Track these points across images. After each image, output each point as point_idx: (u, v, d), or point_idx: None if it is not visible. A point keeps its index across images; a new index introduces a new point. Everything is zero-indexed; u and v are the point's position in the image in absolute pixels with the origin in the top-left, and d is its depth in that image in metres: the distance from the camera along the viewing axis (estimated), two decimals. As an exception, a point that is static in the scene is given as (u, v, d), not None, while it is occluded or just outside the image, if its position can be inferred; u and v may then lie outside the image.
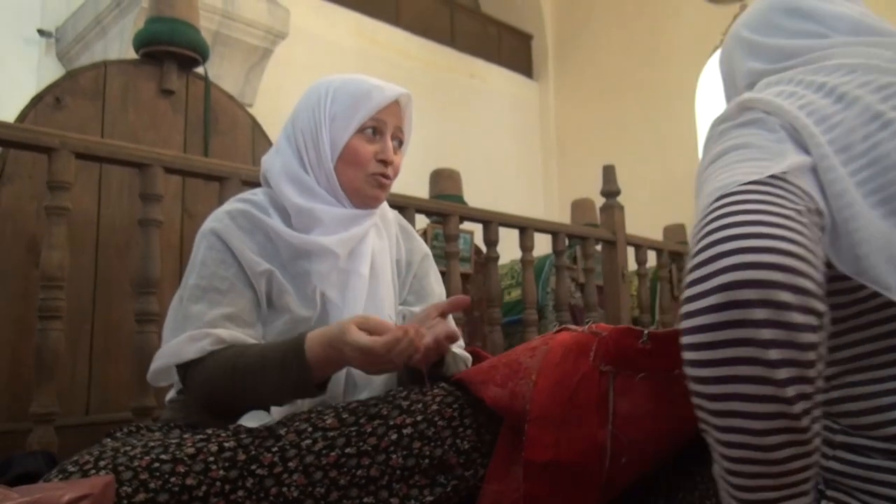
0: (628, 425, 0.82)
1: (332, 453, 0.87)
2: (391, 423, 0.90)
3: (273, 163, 1.13)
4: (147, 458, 0.79)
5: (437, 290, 1.23)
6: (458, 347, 1.17)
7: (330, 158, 1.09)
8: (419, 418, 0.91)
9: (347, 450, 0.88)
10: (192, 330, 0.98)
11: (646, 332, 0.84)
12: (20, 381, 1.67)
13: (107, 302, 1.87)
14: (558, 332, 0.95)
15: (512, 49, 7.99)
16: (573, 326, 0.93)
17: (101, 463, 0.78)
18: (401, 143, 1.15)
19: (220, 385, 0.95)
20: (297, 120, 1.13)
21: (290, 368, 0.91)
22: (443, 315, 1.01)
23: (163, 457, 0.80)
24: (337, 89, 1.11)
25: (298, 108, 1.14)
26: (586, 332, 0.89)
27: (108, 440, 0.90)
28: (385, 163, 1.10)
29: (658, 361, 0.84)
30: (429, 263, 1.25)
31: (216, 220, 1.07)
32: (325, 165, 1.09)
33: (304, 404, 0.98)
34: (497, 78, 7.55)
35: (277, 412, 0.94)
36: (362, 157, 1.09)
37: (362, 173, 1.10)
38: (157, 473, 0.79)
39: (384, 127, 1.11)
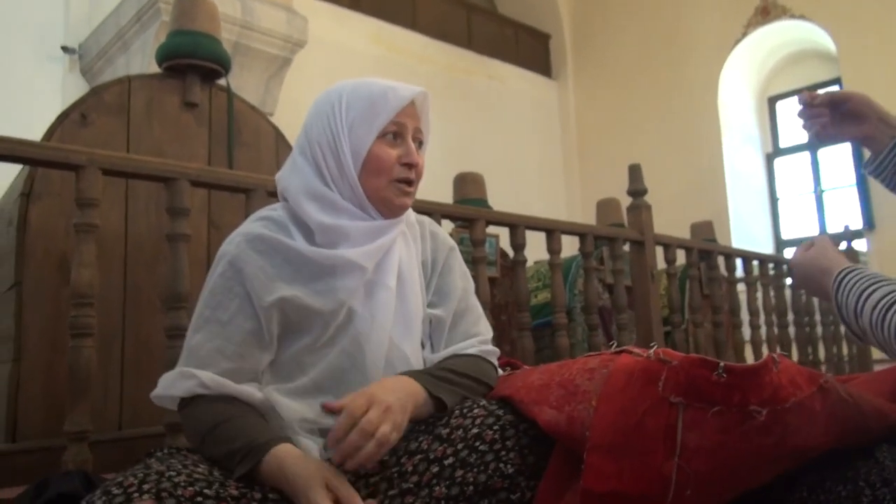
0: (695, 458, 0.79)
1: (376, 499, 0.87)
2: (431, 456, 0.89)
3: (290, 180, 1.08)
4: (191, 489, 0.79)
5: (459, 285, 1.16)
6: (482, 344, 1.12)
7: (353, 168, 1.04)
8: (460, 446, 0.89)
9: (391, 492, 0.87)
10: (186, 362, 0.99)
11: (721, 364, 0.80)
12: (54, 398, 1.68)
13: (137, 317, 1.88)
14: (618, 353, 0.91)
15: (530, 49, 7.96)
16: (636, 350, 0.89)
17: (146, 486, 0.77)
18: (421, 143, 1.11)
19: (199, 445, 0.96)
20: (312, 132, 1.08)
21: (238, 466, 0.88)
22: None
23: (206, 491, 0.80)
24: (350, 95, 1.06)
25: (310, 119, 1.09)
26: (652, 358, 0.85)
27: (153, 461, 0.89)
28: (410, 166, 1.06)
29: (732, 395, 0.80)
30: (454, 257, 1.18)
31: (232, 244, 1.04)
32: (349, 176, 1.05)
33: None
34: (516, 79, 7.52)
35: (313, 452, 0.94)
36: (386, 162, 1.05)
37: (387, 179, 1.05)
38: None
39: (404, 130, 1.06)
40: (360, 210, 1.06)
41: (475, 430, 0.90)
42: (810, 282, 1.06)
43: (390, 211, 1.08)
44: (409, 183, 1.07)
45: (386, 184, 1.06)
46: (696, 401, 0.80)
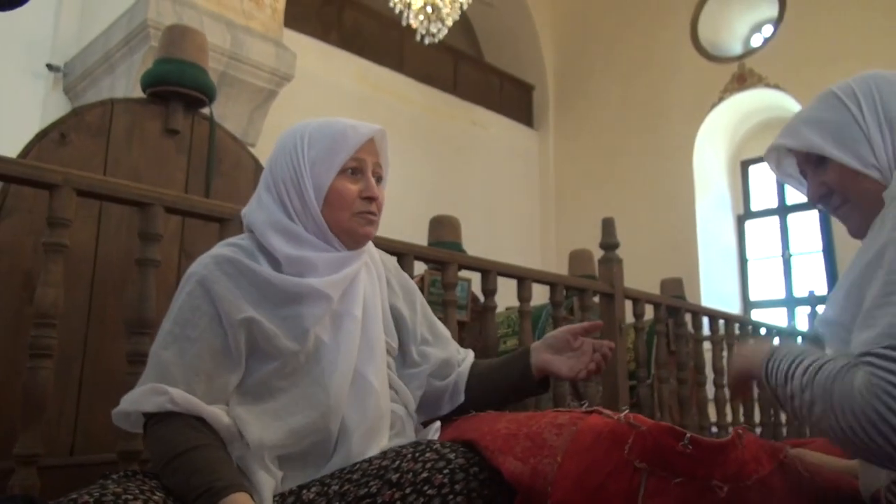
0: None
1: None
2: (379, 500, 0.89)
3: (256, 215, 1.13)
4: None
5: (444, 329, 1.28)
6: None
7: (315, 203, 1.10)
8: (408, 490, 0.89)
9: None
10: (155, 379, 0.98)
11: (688, 435, 0.82)
12: (5, 418, 1.63)
13: (99, 339, 1.84)
14: (589, 412, 0.92)
15: (513, 99, 8.11)
16: (606, 411, 0.90)
17: None
18: (380, 178, 1.17)
19: (159, 468, 0.95)
20: (276, 169, 1.13)
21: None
22: (584, 334, 1.19)
23: None
24: (312, 133, 1.12)
25: (275, 157, 1.15)
26: (622, 421, 0.85)
27: (109, 482, 0.88)
28: (370, 199, 1.12)
29: (697, 468, 0.81)
30: (424, 302, 1.28)
31: (201, 265, 1.06)
32: (312, 211, 1.10)
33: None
34: (498, 126, 7.64)
35: (267, 490, 0.94)
36: (347, 197, 1.11)
37: (349, 213, 1.11)
38: None
39: (364, 165, 1.13)
40: (324, 242, 1.11)
41: (424, 475, 0.90)
42: (740, 360, 1.06)
43: (354, 241, 1.13)
44: (372, 213, 1.13)
45: (349, 216, 1.11)
46: (660, 469, 0.80)
